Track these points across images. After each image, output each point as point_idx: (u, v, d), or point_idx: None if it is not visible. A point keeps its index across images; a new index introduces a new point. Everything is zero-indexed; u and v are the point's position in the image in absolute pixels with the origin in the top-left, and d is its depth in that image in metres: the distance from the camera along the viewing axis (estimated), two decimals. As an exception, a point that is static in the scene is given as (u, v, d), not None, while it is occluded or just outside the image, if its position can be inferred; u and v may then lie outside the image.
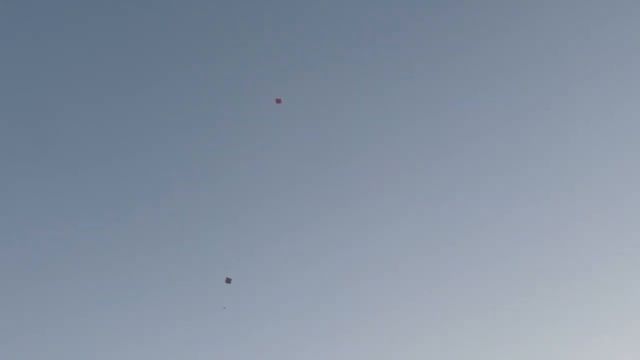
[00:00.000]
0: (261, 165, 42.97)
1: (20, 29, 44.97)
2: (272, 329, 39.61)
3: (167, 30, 45.47)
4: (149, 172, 43.69)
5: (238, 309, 39.80)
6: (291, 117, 42.63)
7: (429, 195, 42.69)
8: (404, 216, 42.06)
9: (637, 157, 42.20)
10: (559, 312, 39.24)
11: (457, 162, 43.21)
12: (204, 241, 41.77)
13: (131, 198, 42.80)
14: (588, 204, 41.91)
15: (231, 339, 39.30)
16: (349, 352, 38.79)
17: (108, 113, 44.13)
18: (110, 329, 39.48)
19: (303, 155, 43.43)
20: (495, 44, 44.50)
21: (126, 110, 44.36)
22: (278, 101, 31.78)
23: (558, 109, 43.69)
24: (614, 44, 43.86)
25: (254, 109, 44.16)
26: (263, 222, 42.23)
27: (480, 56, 44.46)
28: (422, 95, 44.36)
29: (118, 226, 41.87)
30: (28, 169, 43.14)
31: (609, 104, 43.42)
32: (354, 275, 41.04)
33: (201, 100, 44.46)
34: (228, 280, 32.26)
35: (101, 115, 44.07)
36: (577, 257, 40.90)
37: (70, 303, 40.03)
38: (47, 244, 41.62)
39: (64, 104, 44.55)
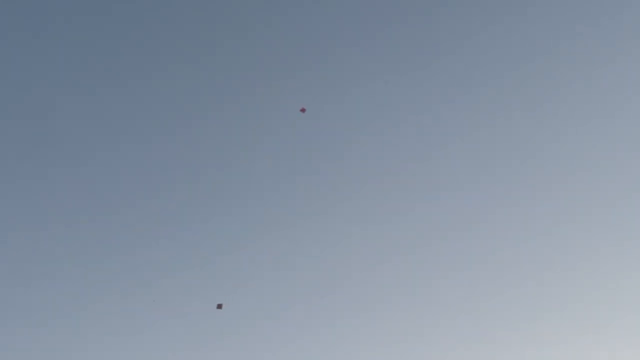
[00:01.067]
0: (253, 163, 43.25)
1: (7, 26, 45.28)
2: (267, 327, 39.78)
3: (157, 29, 45.76)
4: (142, 167, 43.93)
5: (235, 308, 39.99)
6: (282, 116, 42.94)
7: (421, 193, 42.90)
8: (398, 214, 42.26)
9: (634, 157, 42.39)
10: (554, 310, 39.36)
11: (449, 161, 43.45)
12: (198, 238, 42.03)
13: (125, 194, 43.08)
14: (585, 203, 42.07)
15: (226, 338, 39.47)
16: (343, 351, 38.90)
17: (102, 111, 44.40)
18: (105, 328, 39.66)
19: (294, 153, 43.67)
20: (487, 42, 44.71)
21: (118, 109, 44.67)
22: (302, 110, 32.11)
23: (551, 107, 43.90)
24: (609, 42, 44.06)
25: (244, 107, 44.51)
26: (257, 219, 42.48)
27: (474, 53, 44.70)
28: (413, 94, 44.63)
29: (111, 223, 42.11)
30: (25, 167, 43.41)
31: (607, 103, 43.61)
32: (349, 274, 41.23)
33: (191, 100, 44.77)
34: (219, 306, 32.42)
35: (95, 113, 44.36)
36: (575, 256, 41.03)
37: (63, 301, 40.25)
38: (42, 241, 41.86)
39: (63, 101, 44.85)
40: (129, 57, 45.29)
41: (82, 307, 40.21)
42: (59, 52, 45.10)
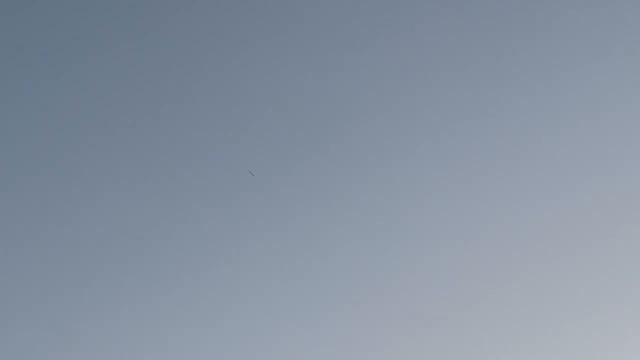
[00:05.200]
0: (254, 161, 43.14)
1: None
2: (269, 328, 39.63)
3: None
4: (146, 168, 43.79)
5: (238, 309, 39.82)
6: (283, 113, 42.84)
7: (430, 194, 42.69)
8: (400, 215, 42.06)
9: (634, 158, 42.19)
10: (555, 312, 39.17)
11: (455, 162, 43.27)
12: (198, 240, 41.89)
13: (131, 196, 42.92)
14: (586, 203, 41.87)
15: (229, 339, 39.29)
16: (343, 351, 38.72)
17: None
18: (106, 329, 39.48)
19: (300, 156, 43.52)
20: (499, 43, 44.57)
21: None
22: None
23: (551, 109, 43.77)
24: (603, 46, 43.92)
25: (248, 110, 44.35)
26: (257, 219, 42.30)
27: (488, 61, 44.49)
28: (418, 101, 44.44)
29: (116, 225, 41.98)
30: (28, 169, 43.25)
31: (606, 104, 43.46)
32: (352, 274, 41.04)
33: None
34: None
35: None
36: (574, 257, 40.84)
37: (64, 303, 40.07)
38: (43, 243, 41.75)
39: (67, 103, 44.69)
40: (133, 60, 45.21)
41: (85, 307, 40.16)
42: (76, 53, 45.04)
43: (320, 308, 40.15)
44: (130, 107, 44.50)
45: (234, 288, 40.20)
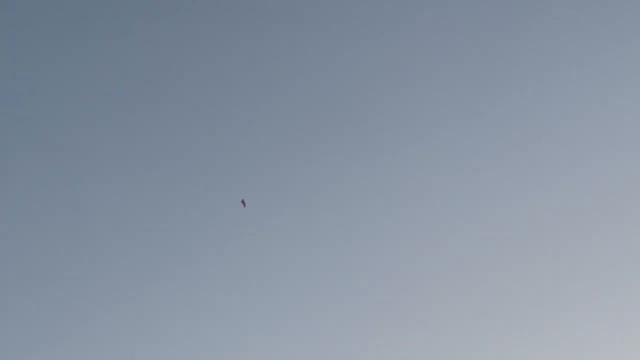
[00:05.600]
0: (256, 161, 43.05)
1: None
2: (270, 327, 39.55)
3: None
4: (148, 169, 43.66)
5: (240, 308, 39.73)
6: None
7: (431, 194, 42.63)
8: (401, 215, 42.01)
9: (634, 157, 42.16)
10: (554, 312, 39.16)
11: (455, 161, 43.21)
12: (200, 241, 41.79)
13: (135, 196, 42.78)
14: (585, 202, 41.87)
15: (228, 337, 39.20)
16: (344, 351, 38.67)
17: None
18: (106, 329, 39.37)
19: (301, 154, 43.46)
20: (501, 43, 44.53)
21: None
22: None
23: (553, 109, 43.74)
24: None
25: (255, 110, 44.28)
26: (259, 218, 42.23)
27: (485, 61, 44.42)
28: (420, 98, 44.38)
29: (117, 225, 41.85)
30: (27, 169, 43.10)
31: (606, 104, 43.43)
32: (353, 274, 40.99)
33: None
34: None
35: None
36: (572, 258, 40.83)
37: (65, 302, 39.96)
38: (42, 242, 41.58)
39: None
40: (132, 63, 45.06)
41: (86, 306, 40.03)
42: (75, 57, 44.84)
43: (319, 308, 40.17)
44: (130, 102, 44.46)
45: (234, 286, 40.19)
